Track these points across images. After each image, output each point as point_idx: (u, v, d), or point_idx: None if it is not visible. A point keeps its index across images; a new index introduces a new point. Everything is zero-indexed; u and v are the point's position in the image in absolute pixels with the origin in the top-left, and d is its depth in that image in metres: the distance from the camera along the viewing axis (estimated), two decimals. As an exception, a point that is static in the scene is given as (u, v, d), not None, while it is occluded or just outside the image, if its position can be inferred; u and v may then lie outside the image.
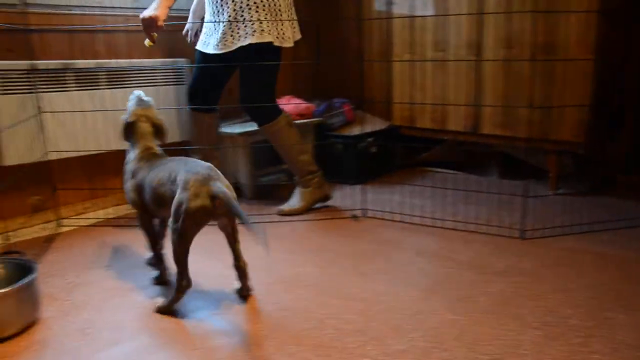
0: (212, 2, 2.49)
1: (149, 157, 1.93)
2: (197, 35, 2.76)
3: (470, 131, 3.18)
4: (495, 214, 2.64)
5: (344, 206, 2.80)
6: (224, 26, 2.46)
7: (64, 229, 2.57)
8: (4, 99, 2.31)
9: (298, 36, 2.65)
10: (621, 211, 2.64)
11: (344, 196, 2.96)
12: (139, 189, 1.88)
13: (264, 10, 2.45)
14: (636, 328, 1.62)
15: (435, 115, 3.33)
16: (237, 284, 1.87)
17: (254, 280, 1.97)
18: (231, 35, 2.46)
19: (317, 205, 2.78)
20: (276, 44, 2.49)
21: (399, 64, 3.43)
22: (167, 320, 1.71)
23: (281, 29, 2.51)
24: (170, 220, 1.69)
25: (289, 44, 2.56)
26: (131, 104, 2.02)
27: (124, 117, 2.00)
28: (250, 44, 2.44)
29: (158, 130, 2.02)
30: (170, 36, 2.98)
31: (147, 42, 2.37)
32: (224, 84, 2.70)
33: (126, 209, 2.81)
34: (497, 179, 3.28)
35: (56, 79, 2.50)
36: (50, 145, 2.51)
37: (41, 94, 2.46)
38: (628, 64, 3.04)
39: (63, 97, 2.52)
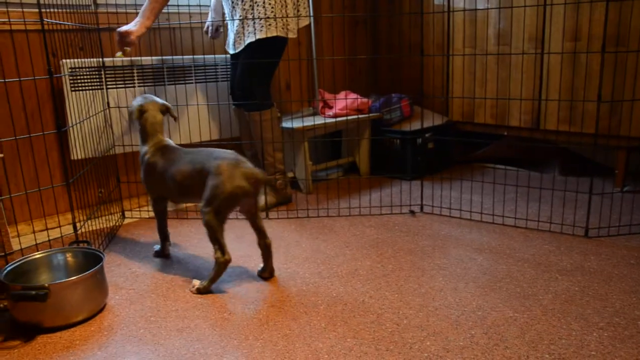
0: (227, 3, 2.60)
1: (162, 150, 2.05)
2: (217, 30, 2.85)
3: (532, 127, 3.10)
4: (558, 211, 2.57)
5: (400, 202, 2.78)
6: (237, 26, 2.59)
7: (127, 221, 2.66)
8: (75, 95, 2.42)
9: (304, 23, 2.73)
10: (694, 210, 2.52)
11: (401, 191, 2.94)
12: (157, 180, 2.03)
13: (270, 5, 2.53)
14: None
15: (495, 111, 3.26)
16: (260, 265, 1.98)
17: (310, 272, 1.99)
18: (243, 34, 2.59)
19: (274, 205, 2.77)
20: (281, 36, 2.61)
21: (458, 58, 3.38)
22: (228, 310, 1.75)
23: (286, 22, 2.61)
24: (203, 204, 1.82)
25: (293, 34, 2.67)
26: (135, 102, 2.15)
27: (131, 108, 2.14)
28: (257, 39, 2.56)
29: (167, 111, 2.16)
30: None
31: (119, 53, 2.45)
32: None
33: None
34: (558, 176, 3.19)
35: (122, 76, 2.59)
36: (116, 140, 2.61)
37: (109, 90, 2.55)
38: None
39: (129, 93, 2.61)
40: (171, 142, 2.10)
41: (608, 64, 2.76)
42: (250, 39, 2.58)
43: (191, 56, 2.82)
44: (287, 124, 2.99)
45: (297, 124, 2.97)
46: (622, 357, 1.44)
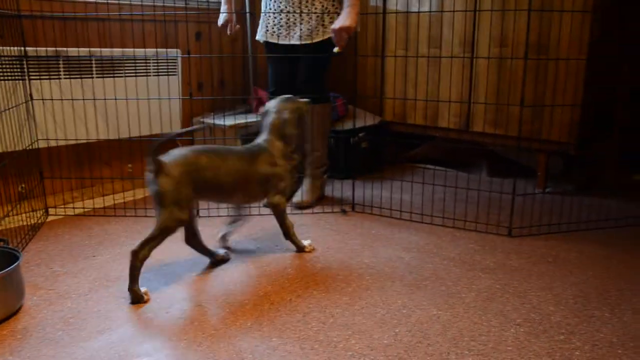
0: None
1: None
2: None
3: (461, 129, 3.19)
4: (484, 211, 2.65)
5: (333, 201, 2.80)
6: (315, 19, 2.56)
7: (51, 218, 2.56)
8: (-8, 85, 2.30)
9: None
10: (608, 211, 2.66)
11: (333, 190, 2.96)
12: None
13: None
14: (619, 325, 1.63)
15: (426, 112, 3.34)
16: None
17: (238, 271, 1.98)
18: (317, 28, 2.57)
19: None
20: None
21: (392, 59, 3.43)
22: (152, 310, 1.71)
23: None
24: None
25: None
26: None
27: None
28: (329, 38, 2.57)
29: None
30: (164, 26, 2.97)
31: (335, 49, 2.48)
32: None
33: (114, 199, 2.80)
34: (486, 177, 3.30)
35: (47, 67, 2.48)
36: (39, 134, 2.50)
37: (32, 81, 2.44)
38: (621, 63, 3.05)
39: (54, 85, 2.51)
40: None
41: (531, 70, 2.87)
42: (326, 35, 2.57)
43: (121, 49, 2.73)
44: (219, 121, 2.96)
45: (229, 121, 2.93)
46: (535, 351, 1.50)
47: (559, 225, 2.44)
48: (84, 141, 2.65)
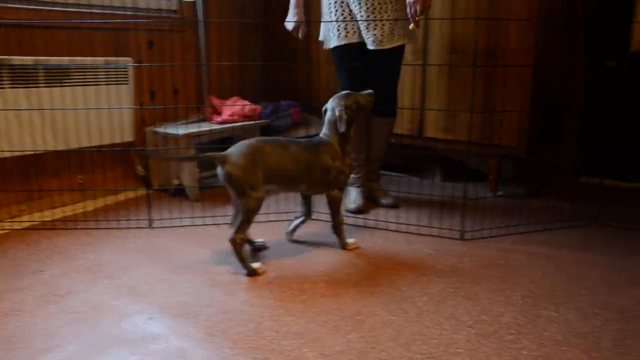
0: None
1: None
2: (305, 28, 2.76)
3: (414, 134, 3.23)
4: (437, 216, 2.69)
5: (288, 207, 2.79)
6: (389, 22, 2.54)
7: (-3, 233, 2.48)
8: None
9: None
10: (557, 213, 2.73)
11: (288, 198, 2.95)
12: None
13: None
14: (565, 323, 1.68)
15: (381, 119, 3.37)
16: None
17: (192, 282, 1.95)
18: (392, 33, 2.56)
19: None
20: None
21: (345, 67, 3.45)
22: (103, 325, 1.67)
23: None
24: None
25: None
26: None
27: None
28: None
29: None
30: (115, 34, 2.93)
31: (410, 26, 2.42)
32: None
33: (63, 212, 2.73)
34: (439, 182, 3.35)
35: (-11, 77, 2.40)
36: (-18, 145, 2.42)
37: (-28, 91, 2.37)
38: (570, 70, 3.15)
39: (-4, 96, 2.43)
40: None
41: (480, 76, 2.93)
42: (401, 41, 2.58)
43: (69, 58, 2.67)
44: (171, 130, 2.92)
45: (182, 130, 2.90)
46: (485, 352, 1.52)
47: (508, 227, 2.49)
48: (31, 152, 2.57)
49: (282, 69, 3.76)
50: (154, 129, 2.99)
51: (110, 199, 2.96)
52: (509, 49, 2.84)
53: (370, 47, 2.58)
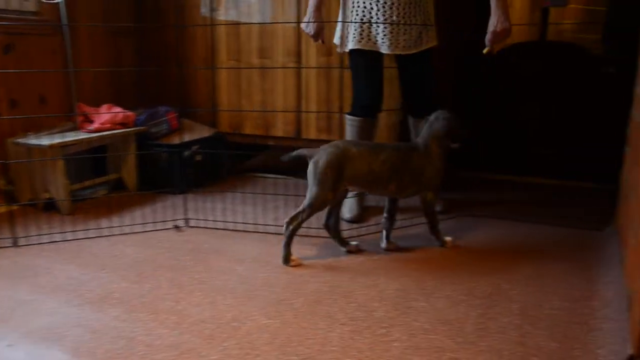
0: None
1: None
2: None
3: (294, 136, 3.26)
4: (316, 216, 2.72)
5: (166, 217, 2.71)
6: (417, 27, 2.48)
7: None
8: None
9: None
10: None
11: (167, 207, 2.87)
12: None
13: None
14: (433, 313, 1.77)
15: (260, 122, 3.37)
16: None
17: (58, 301, 1.84)
18: (420, 37, 2.50)
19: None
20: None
21: (224, 70, 3.42)
22: (-50, 357, 1.53)
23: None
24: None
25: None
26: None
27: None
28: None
29: None
30: None
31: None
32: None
33: None
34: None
35: None
36: None
37: None
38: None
39: None
40: None
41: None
42: (431, 43, 2.52)
43: None
44: (34, 140, 2.74)
45: (47, 140, 2.73)
46: (358, 348, 1.57)
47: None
48: None
49: (157, 75, 3.65)
50: (16, 140, 2.79)
51: (-32, 218, 2.72)
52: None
53: (398, 52, 2.51)
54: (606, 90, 3.56)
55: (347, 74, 2.99)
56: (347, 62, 2.65)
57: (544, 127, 3.80)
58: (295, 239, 2.17)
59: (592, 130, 3.59)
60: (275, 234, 2.49)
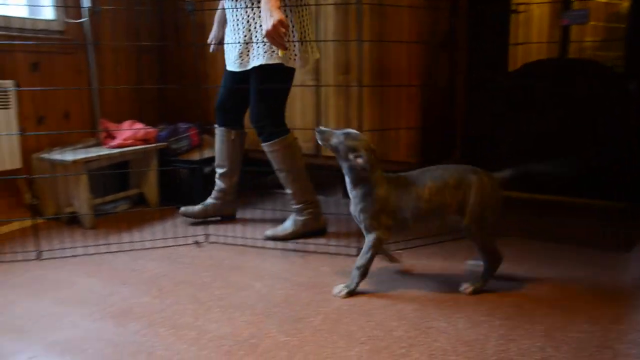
0: (231, 19, 2.53)
1: (392, 180, 2.06)
2: (220, 43, 2.74)
3: (313, 153, 3.28)
4: (335, 233, 2.73)
5: (186, 233, 2.73)
6: (241, 45, 2.50)
7: None
8: None
9: (316, 56, 2.69)
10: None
11: (187, 222, 2.89)
12: (394, 212, 2.02)
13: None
14: (453, 333, 1.75)
15: (280, 139, 3.39)
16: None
17: (80, 315, 1.86)
18: (247, 55, 2.50)
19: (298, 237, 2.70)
20: (286, 65, 2.50)
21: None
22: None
23: (293, 50, 2.50)
24: (472, 221, 1.96)
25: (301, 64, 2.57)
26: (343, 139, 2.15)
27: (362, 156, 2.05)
28: (261, 65, 2.47)
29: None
30: (-8, 57, 2.77)
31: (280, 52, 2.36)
32: (245, 100, 2.69)
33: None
34: (342, 199, 3.40)
35: None
36: None
37: None
38: (455, 87, 3.32)
39: None
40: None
41: (375, 95, 3.03)
42: (255, 62, 2.48)
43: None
44: (58, 156, 2.79)
45: (71, 156, 2.78)
46: (377, 368, 1.55)
47: (398, 243, 2.56)
48: None
49: (179, 91, 3.70)
50: (41, 156, 2.84)
51: (-7, 231, 2.77)
52: (401, 69, 2.95)
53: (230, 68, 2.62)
54: (629, 108, 3.51)
55: (367, 91, 3.02)
56: (365, 80, 2.68)
57: (562, 144, 3.76)
58: (314, 256, 2.16)
59: (614, 147, 3.54)
60: (295, 250, 2.49)
